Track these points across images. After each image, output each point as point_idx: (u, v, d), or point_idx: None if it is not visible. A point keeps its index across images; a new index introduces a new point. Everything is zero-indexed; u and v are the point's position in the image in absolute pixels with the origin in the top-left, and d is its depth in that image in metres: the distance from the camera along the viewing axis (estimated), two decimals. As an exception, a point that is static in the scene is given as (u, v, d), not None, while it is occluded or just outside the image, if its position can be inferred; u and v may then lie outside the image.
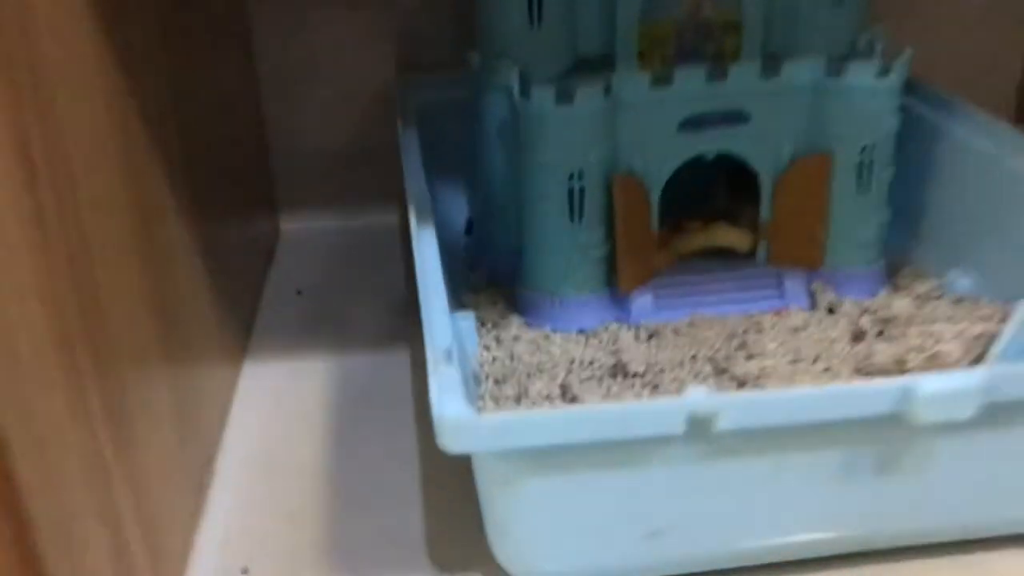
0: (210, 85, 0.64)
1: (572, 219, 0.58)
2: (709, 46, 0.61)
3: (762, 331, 0.58)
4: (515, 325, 0.60)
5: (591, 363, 0.56)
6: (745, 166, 0.60)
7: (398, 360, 0.65)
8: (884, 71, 0.57)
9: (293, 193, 0.84)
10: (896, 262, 0.64)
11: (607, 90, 0.56)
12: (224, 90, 0.68)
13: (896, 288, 0.63)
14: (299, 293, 0.73)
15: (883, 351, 0.53)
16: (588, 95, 0.55)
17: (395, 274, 0.76)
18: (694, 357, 0.55)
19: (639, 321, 0.60)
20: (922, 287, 0.62)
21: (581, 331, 0.60)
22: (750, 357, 0.55)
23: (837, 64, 0.58)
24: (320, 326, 0.70)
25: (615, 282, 0.60)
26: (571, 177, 0.57)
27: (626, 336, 0.58)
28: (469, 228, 0.72)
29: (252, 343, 0.68)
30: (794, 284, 0.62)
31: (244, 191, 0.73)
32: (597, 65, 0.61)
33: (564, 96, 0.55)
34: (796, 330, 0.58)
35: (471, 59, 0.62)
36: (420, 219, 0.53)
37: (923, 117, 0.65)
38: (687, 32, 0.61)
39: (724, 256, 0.63)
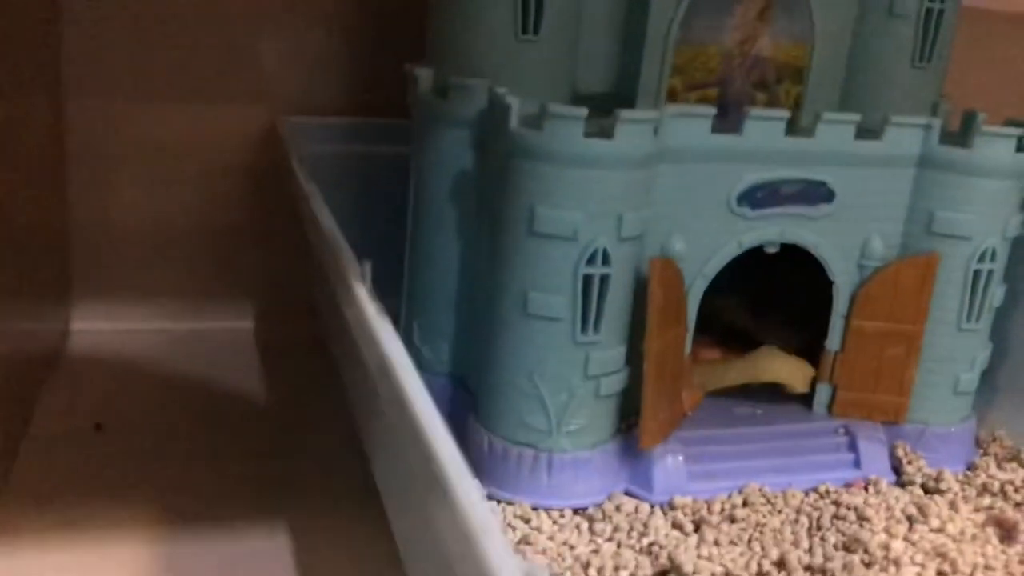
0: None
1: (584, 328, 0.36)
2: (760, 94, 0.42)
3: (864, 514, 0.37)
4: (474, 497, 0.36)
5: (618, 568, 0.33)
6: (812, 265, 0.41)
7: (270, 548, 0.40)
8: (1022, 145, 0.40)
9: (94, 280, 0.58)
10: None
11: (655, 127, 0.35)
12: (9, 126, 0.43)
13: (985, 453, 0.45)
14: (99, 428, 0.46)
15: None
16: (636, 125, 0.34)
17: (238, 404, 0.51)
18: (779, 563, 0.34)
19: (666, 497, 0.38)
20: (1033, 456, 0.44)
21: (579, 510, 0.37)
22: (870, 565, 0.34)
23: (957, 130, 0.41)
24: (130, 485, 0.43)
25: (624, 430, 0.39)
26: (592, 258, 0.35)
27: (660, 524, 0.36)
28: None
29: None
30: (871, 446, 0.42)
31: (18, 271, 0.46)
32: (604, 106, 0.41)
33: (596, 127, 0.34)
34: (911, 520, 0.38)
35: (415, 76, 0.41)
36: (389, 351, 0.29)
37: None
38: (734, 70, 0.42)
39: (751, 393, 0.43)
